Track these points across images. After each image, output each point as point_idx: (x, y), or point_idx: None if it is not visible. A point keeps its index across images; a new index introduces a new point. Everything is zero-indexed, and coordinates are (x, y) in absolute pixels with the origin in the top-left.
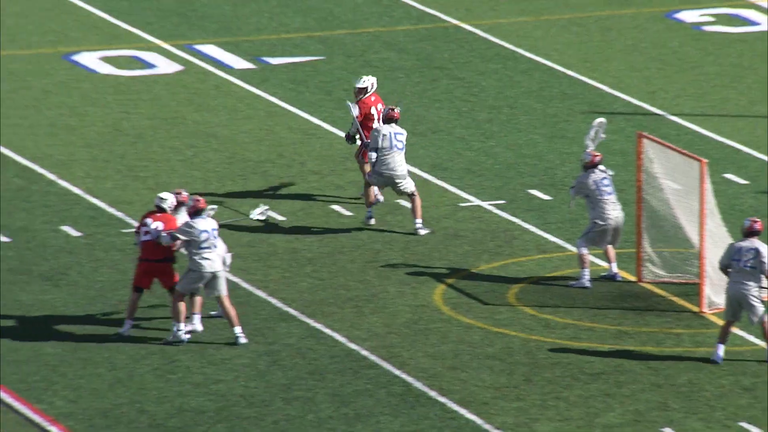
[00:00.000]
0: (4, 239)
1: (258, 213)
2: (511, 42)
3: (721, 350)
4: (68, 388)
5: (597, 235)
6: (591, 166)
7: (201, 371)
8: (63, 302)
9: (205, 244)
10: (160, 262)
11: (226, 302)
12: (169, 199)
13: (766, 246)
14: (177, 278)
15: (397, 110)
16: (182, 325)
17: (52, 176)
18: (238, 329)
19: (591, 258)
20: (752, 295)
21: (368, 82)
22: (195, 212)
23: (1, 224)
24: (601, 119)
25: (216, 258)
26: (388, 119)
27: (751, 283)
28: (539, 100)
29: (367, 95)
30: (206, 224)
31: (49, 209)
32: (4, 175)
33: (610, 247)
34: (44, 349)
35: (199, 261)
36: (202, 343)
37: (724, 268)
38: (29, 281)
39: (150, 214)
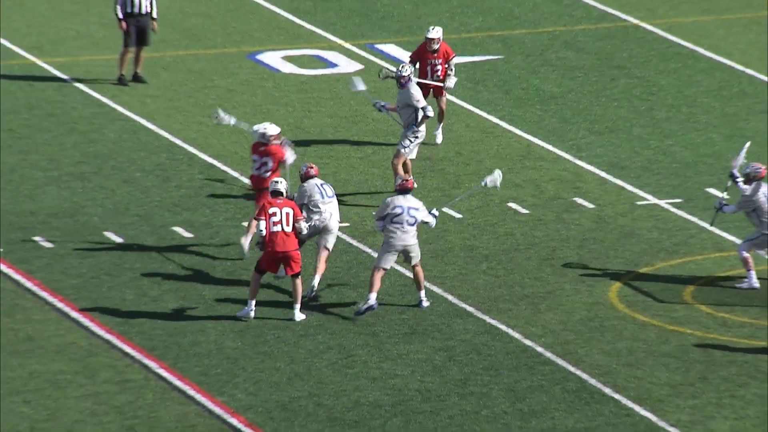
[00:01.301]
0: (187, 235)
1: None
2: (690, 41)
3: None
4: (248, 381)
5: (761, 243)
6: (758, 179)
7: (378, 366)
8: (244, 296)
9: (397, 220)
10: (292, 251)
11: (418, 269)
12: (283, 183)
13: None
14: (299, 267)
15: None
16: (373, 295)
17: (234, 173)
18: (422, 293)
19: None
20: None
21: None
22: (402, 190)
23: (185, 220)
24: (749, 142)
25: (410, 232)
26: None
27: None
28: (718, 98)
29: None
30: (404, 201)
31: (232, 206)
32: (188, 172)
33: None
34: (225, 342)
35: (392, 236)
36: (380, 338)
37: None
38: (211, 277)
39: (270, 202)
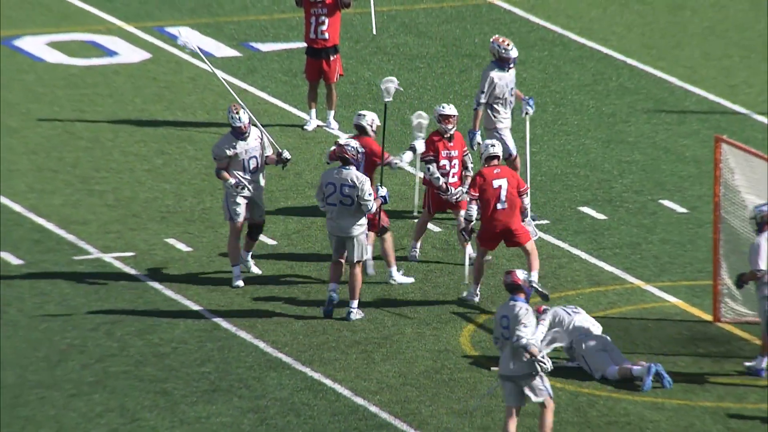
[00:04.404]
0: None
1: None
2: (558, 24)
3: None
4: None
5: None
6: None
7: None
8: None
9: None
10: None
11: None
12: None
13: None
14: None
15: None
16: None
17: None
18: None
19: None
20: None
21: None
22: None
23: None
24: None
25: None
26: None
27: None
28: (594, 95)
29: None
30: None
31: None
32: None
33: None
34: None
35: None
36: (173, 397)
37: None
38: None
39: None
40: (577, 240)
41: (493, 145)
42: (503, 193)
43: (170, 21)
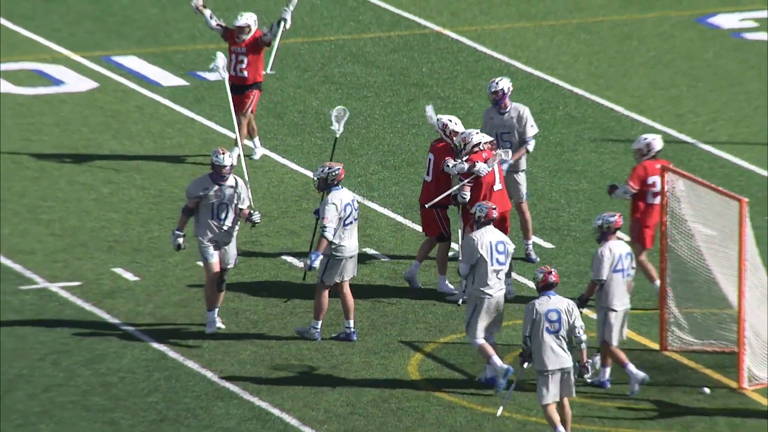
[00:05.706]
0: None
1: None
2: (505, 53)
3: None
4: None
5: None
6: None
7: None
8: None
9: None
10: None
11: None
12: None
13: None
14: None
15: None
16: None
17: None
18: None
19: None
20: None
21: None
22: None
23: None
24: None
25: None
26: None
27: None
28: (541, 124)
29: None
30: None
31: None
32: None
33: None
34: None
35: None
36: (120, 427)
37: None
38: None
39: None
40: (525, 269)
41: (475, 134)
42: (497, 175)
43: (117, 50)
